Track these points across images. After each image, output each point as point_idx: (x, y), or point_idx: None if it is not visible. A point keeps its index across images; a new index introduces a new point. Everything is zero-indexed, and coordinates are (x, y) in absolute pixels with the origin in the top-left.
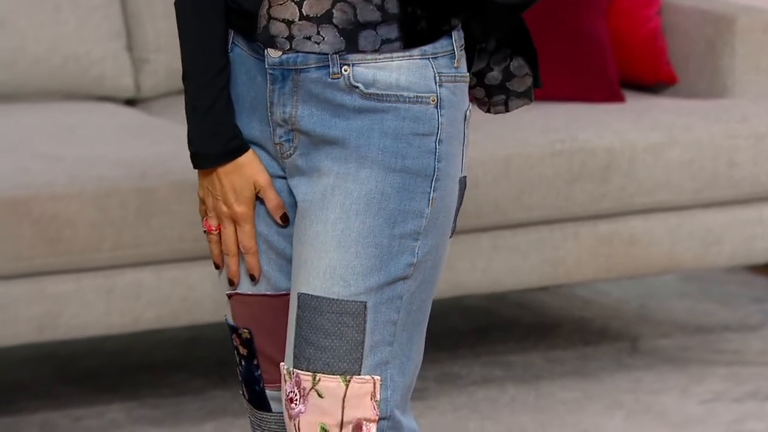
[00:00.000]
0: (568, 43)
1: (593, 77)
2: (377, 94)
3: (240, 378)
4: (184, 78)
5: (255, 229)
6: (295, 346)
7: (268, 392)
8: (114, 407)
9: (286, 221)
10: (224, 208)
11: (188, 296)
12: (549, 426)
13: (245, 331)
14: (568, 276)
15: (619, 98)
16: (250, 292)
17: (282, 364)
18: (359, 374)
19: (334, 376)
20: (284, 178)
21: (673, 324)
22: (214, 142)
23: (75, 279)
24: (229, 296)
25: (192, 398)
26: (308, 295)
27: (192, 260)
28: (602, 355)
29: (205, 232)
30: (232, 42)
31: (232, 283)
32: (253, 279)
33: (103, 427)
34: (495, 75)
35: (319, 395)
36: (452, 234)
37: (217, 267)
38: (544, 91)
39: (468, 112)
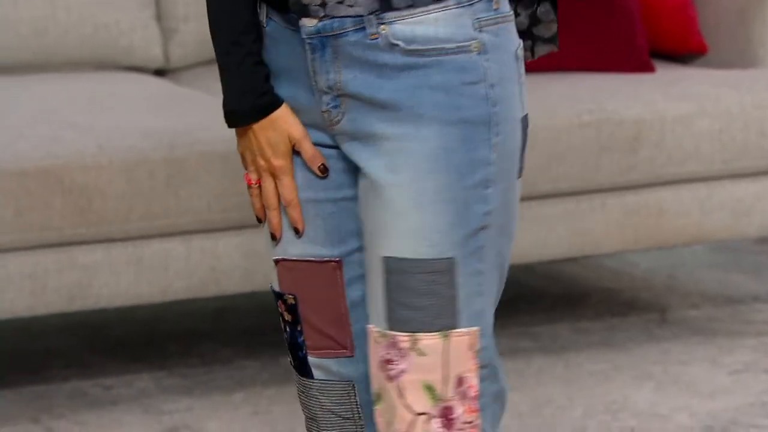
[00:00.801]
0: (597, 12)
1: (622, 47)
2: (419, 49)
3: (286, 344)
4: (213, 39)
5: (295, 182)
6: (388, 309)
7: (310, 359)
8: (143, 376)
9: (325, 171)
10: (262, 163)
11: (216, 266)
12: (576, 397)
13: (290, 297)
14: (596, 247)
15: (648, 68)
16: (295, 258)
17: (370, 327)
18: (457, 328)
19: (433, 334)
20: (334, 147)
21: (702, 295)
22: (246, 99)
23: (104, 249)
24: (276, 262)
25: (221, 368)
26: (395, 258)
27: (220, 231)
28: (630, 326)
29: (247, 187)
30: (267, 17)
31: (274, 237)
32: (297, 233)
33: (133, 396)
34: (521, 20)
35: (421, 354)
36: (520, 174)
37: (259, 221)
38: (572, 61)
39: (519, 50)
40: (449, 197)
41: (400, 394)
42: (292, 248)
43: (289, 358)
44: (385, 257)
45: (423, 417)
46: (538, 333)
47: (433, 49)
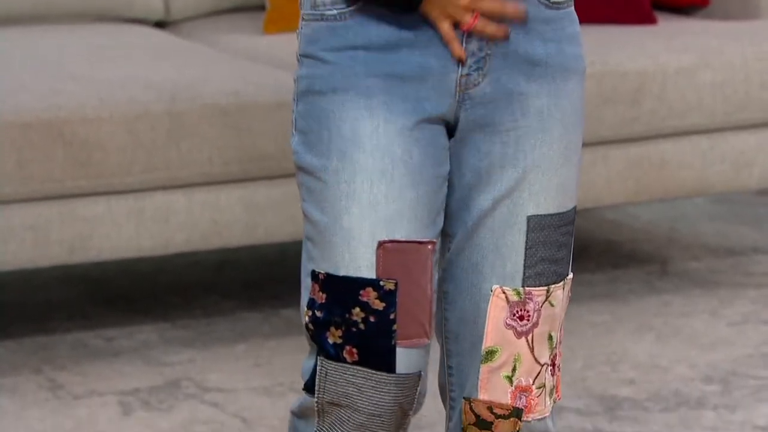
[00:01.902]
0: None
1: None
2: (558, 2)
3: (344, 342)
4: None
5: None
6: (525, 267)
7: (399, 350)
8: (146, 328)
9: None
10: (450, 8)
11: (218, 219)
12: (578, 349)
13: (391, 282)
14: (598, 199)
15: (650, 20)
16: (402, 239)
17: (497, 288)
18: (568, 275)
19: (560, 284)
20: (441, 123)
21: (702, 247)
22: None
23: (105, 201)
24: (380, 244)
25: (223, 319)
26: (540, 215)
27: (221, 183)
28: (631, 278)
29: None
30: None
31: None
32: (460, 60)
33: (135, 348)
34: None
35: (551, 305)
36: None
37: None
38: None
39: None
40: (580, 147)
41: (531, 347)
42: (399, 229)
43: (348, 354)
44: (529, 216)
45: (545, 366)
46: None
47: (566, 2)
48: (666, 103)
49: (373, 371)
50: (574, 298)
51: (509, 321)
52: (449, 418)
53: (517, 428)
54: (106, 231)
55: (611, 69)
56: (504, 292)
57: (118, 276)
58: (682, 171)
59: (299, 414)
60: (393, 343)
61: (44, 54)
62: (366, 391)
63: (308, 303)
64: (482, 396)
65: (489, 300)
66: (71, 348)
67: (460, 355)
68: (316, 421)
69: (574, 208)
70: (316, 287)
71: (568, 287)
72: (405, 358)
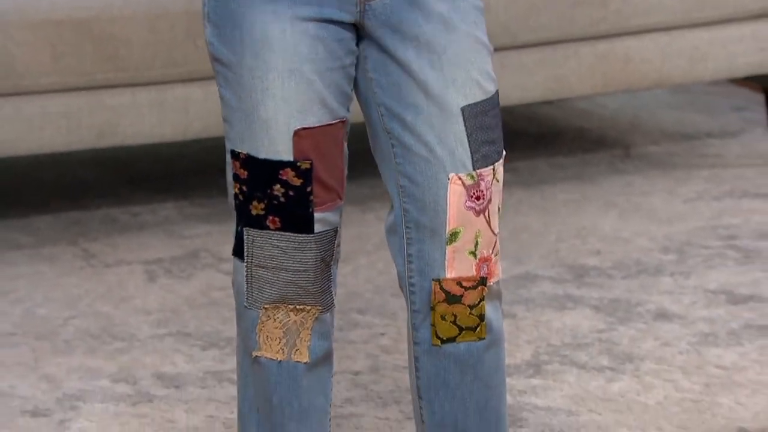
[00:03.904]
0: None
1: None
2: None
3: (267, 213)
4: None
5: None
6: (472, 152)
7: (316, 215)
8: (167, 205)
9: None
10: None
11: None
12: (551, 224)
13: (306, 162)
14: (569, 90)
15: None
16: (314, 125)
17: (453, 175)
18: (503, 150)
19: (500, 161)
20: (346, 25)
21: (662, 132)
22: None
23: (130, 93)
24: (295, 132)
25: None
26: (471, 104)
27: None
28: (599, 161)
29: None
30: None
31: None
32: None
33: (158, 223)
34: None
35: (498, 180)
36: None
37: None
38: None
39: None
40: (487, 39)
41: (488, 222)
42: (310, 117)
43: (257, 228)
44: (462, 107)
45: (497, 235)
46: (518, 168)
47: None
48: (630, 4)
49: (295, 234)
50: (547, 179)
51: (468, 203)
52: (412, 303)
53: (483, 294)
54: (131, 119)
55: None
56: (460, 178)
57: (143, 159)
58: (644, 65)
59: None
60: (311, 210)
61: None
62: (290, 252)
63: (234, 177)
64: (450, 275)
65: (447, 188)
66: (102, 222)
67: (422, 242)
68: (245, 287)
69: (497, 91)
70: (237, 164)
71: (503, 161)
72: (322, 219)
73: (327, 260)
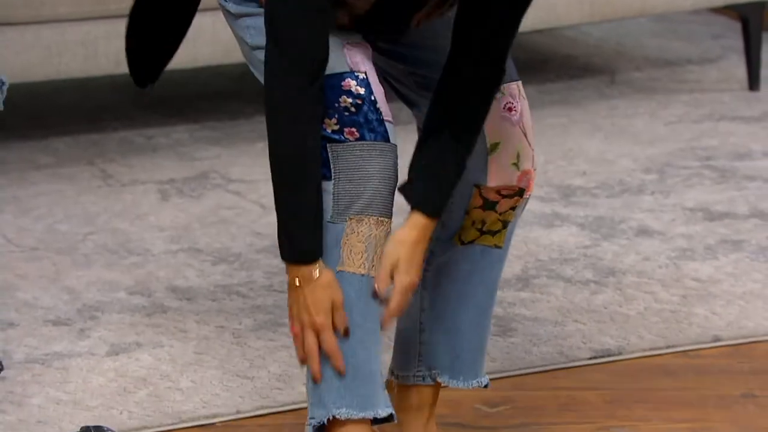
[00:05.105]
0: None
1: None
2: None
3: (341, 126)
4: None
5: (334, 336)
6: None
7: (387, 125)
8: (179, 128)
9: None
10: (306, 317)
11: None
12: (539, 146)
13: (361, 72)
14: (557, 19)
15: None
16: (359, 41)
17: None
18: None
19: (519, 81)
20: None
21: (644, 59)
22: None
23: None
24: (344, 44)
25: (245, 122)
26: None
27: None
28: (585, 87)
29: (293, 336)
30: None
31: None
32: (340, 373)
33: (171, 145)
34: None
35: (524, 98)
36: None
37: (302, 363)
38: None
39: None
40: None
41: (525, 134)
42: (355, 37)
43: (338, 138)
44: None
45: (535, 151)
46: None
47: None
48: None
49: (374, 142)
50: (536, 104)
51: (501, 113)
52: (448, 211)
53: (516, 204)
54: None
55: None
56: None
57: (156, 85)
58: None
59: None
60: (380, 118)
61: None
62: (374, 159)
63: None
64: (491, 183)
65: None
66: (118, 144)
67: None
68: (331, 203)
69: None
70: None
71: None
72: (390, 131)
73: (394, 176)
